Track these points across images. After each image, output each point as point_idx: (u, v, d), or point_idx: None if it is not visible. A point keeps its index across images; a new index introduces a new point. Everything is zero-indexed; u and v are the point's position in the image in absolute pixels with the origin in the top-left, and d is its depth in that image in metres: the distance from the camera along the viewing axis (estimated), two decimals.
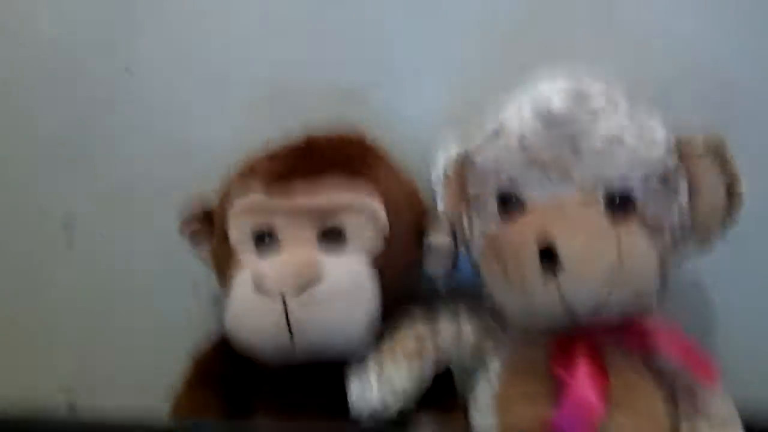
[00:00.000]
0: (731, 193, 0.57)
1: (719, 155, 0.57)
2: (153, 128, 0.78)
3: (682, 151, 0.57)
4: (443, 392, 0.63)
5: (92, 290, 0.80)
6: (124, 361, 0.81)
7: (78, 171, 0.79)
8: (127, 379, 0.81)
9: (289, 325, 0.56)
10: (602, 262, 0.53)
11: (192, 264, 0.76)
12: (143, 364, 0.79)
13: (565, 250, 0.53)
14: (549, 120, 0.56)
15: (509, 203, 0.58)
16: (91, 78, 0.77)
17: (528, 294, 0.55)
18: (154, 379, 0.79)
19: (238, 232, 0.62)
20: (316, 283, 0.57)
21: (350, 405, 0.60)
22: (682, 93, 0.69)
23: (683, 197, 0.57)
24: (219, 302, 0.79)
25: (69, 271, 0.80)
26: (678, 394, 0.61)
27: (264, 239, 0.62)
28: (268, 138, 0.66)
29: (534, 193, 0.57)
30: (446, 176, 0.64)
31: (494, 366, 0.64)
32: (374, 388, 0.59)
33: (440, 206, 0.66)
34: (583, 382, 0.57)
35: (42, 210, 0.80)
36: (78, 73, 0.78)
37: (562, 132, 0.55)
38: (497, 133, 0.59)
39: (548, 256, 0.54)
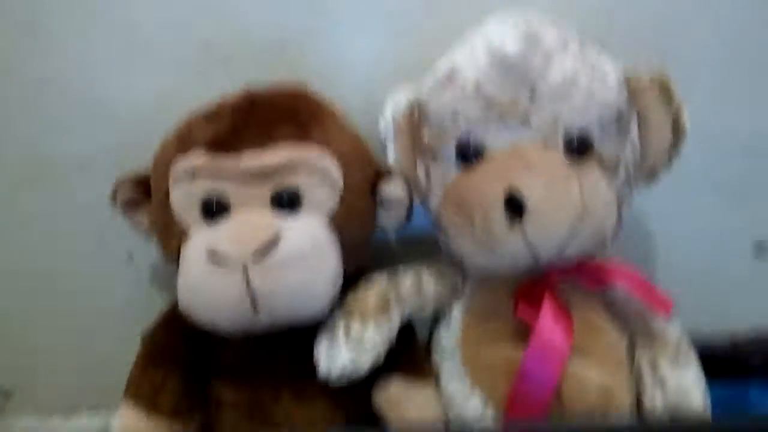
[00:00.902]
0: (676, 124, 0.58)
1: (665, 88, 0.58)
2: (69, 93, 0.70)
3: (629, 86, 0.58)
4: (407, 349, 0.63)
5: (15, 272, 0.74)
6: (62, 344, 0.76)
7: None
8: (64, 361, 0.77)
9: (251, 295, 0.53)
10: (566, 206, 0.54)
11: (124, 235, 0.72)
12: (82, 344, 0.75)
13: (529, 197, 0.53)
14: (504, 64, 0.54)
15: (468, 150, 0.57)
16: None
17: (493, 241, 0.55)
18: (95, 360, 0.75)
19: (183, 198, 0.58)
20: (274, 248, 0.54)
21: (319, 367, 0.58)
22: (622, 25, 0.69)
23: (634, 133, 0.58)
24: (159, 273, 0.75)
25: None
26: (634, 327, 0.63)
27: (212, 207, 0.57)
28: (200, 99, 0.61)
29: (493, 139, 0.56)
30: (397, 125, 0.62)
31: (455, 313, 0.65)
32: (343, 348, 0.58)
33: (391, 157, 0.64)
34: (549, 323, 0.58)
35: None
36: None
37: (518, 75, 0.54)
38: (450, 78, 0.57)
39: (513, 203, 0.53)
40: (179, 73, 0.70)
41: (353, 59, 0.70)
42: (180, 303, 0.57)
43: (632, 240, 0.75)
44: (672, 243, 0.77)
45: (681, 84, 0.58)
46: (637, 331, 0.62)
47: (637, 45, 0.67)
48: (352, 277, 0.63)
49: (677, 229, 0.77)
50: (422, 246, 0.72)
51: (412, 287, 0.63)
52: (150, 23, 0.69)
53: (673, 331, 0.61)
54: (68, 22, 0.69)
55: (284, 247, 0.54)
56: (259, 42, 0.69)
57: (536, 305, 0.60)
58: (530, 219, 0.53)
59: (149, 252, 0.73)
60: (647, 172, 0.61)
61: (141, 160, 0.64)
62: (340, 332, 0.59)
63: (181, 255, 0.57)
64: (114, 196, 0.63)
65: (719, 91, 0.73)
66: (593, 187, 0.55)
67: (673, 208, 0.75)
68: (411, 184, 0.63)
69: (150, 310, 0.67)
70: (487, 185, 0.55)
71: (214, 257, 0.54)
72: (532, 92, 0.55)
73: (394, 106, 0.63)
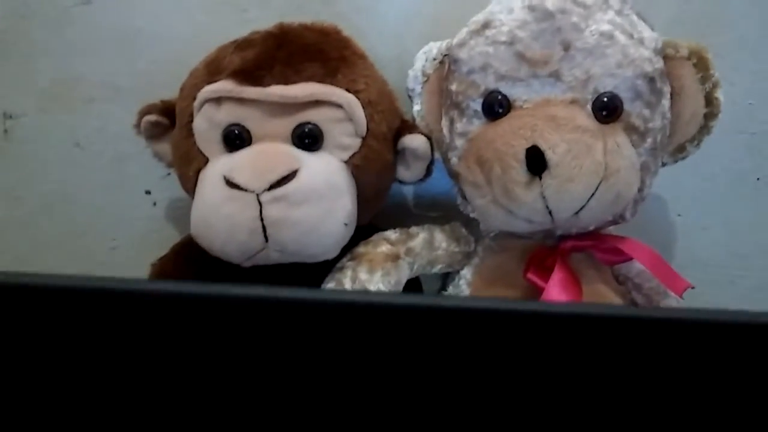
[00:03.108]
0: (710, 99, 0.57)
1: (702, 60, 0.56)
2: (105, 18, 0.71)
3: (666, 54, 0.57)
4: None
5: (33, 192, 0.74)
6: (74, 270, 0.76)
7: (16, 67, 0.72)
8: None
9: (263, 224, 0.53)
10: (588, 165, 0.53)
11: (145, 170, 0.73)
12: (93, 273, 0.75)
13: (551, 153, 0.52)
14: (540, 12, 0.54)
15: (495, 103, 0.56)
16: None
17: (511, 197, 0.54)
18: None
19: (206, 125, 0.57)
20: (290, 181, 0.54)
21: None
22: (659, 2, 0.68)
23: (666, 101, 0.57)
24: (175, 211, 0.76)
25: (9, 177, 0.74)
26: (644, 305, 0.62)
27: (234, 140, 0.57)
28: (232, 38, 0.61)
29: (522, 93, 0.55)
30: (425, 75, 0.62)
31: (465, 273, 0.64)
32: None
33: (416, 109, 0.63)
34: (557, 289, 0.57)
35: None
36: None
37: (553, 25, 0.54)
38: (484, 27, 0.56)
39: (534, 159, 0.53)
40: (215, 12, 0.70)
41: (387, 10, 0.69)
42: (192, 228, 0.57)
43: (651, 226, 0.74)
44: (692, 231, 0.75)
45: (720, 69, 0.57)
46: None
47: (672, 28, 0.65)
48: (365, 230, 0.63)
49: (700, 218, 0.75)
50: (438, 209, 0.73)
51: (424, 242, 0.63)
52: None
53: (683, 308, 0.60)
54: None
55: (300, 181, 0.54)
56: None
57: (547, 272, 0.59)
58: (550, 176, 0.53)
59: (168, 190, 0.74)
60: (676, 146, 0.60)
61: (169, 93, 0.64)
62: (347, 277, 0.59)
63: (199, 181, 0.57)
64: (139, 121, 0.63)
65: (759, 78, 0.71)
66: (618, 150, 0.54)
67: (702, 196, 0.74)
68: (434, 140, 0.62)
69: (163, 247, 0.68)
70: (510, 139, 0.54)
71: (231, 184, 0.54)
72: (567, 47, 0.54)
73: (424, 58, 0.62)
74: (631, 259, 0.60)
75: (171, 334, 0.30)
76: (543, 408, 0.30)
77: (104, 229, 0.75)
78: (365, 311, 0.30)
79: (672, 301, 0.61)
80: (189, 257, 0.63)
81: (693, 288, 0.59)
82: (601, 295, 0.61)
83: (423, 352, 0.29)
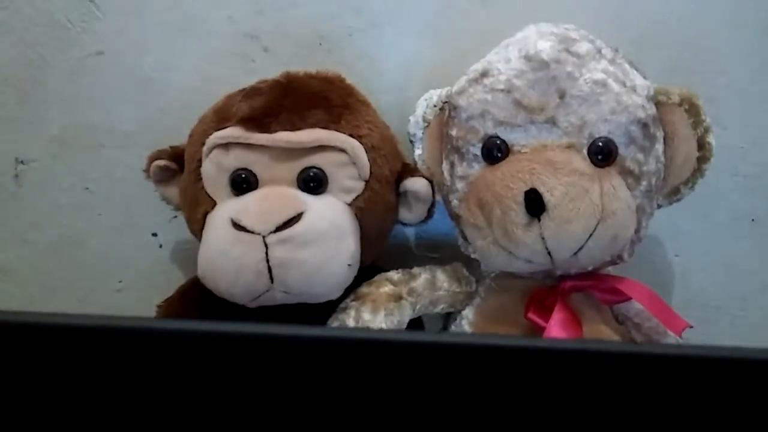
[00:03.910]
0: (702, 144, 0.59)
1: (693, 106, 0.58)
2: (118, 67, 0.73)
3: (658, 101, 0.59)
4: None
5: (41, 236, 0.76)
6: (80, 312, 0.77)
7: (29, 114, 0.74)
8: None
9: (269, 266, 0.55)
10: (585, 208, 0.54)
11: (152, 213, 0.74)
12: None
13: (549, 196, 0.54)
14: (536, 62, 0.56)
15: (494, 148, 0.58)
16: (48, 14, 0.72)
17: (511, 239, 0.56)
18: None
19: (214, 169, 0.59)
20: (297, 220, 0.55)
21: None
22: (652, 52, 0.71)
23: (660, 145, 0.58)
24: (181, 253, 0.77)
25: (19, 221, 0.75)
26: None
27: (241, 184, 0.59)
28: (240, 87, 0.64)
29: (519, 139, 0.57)
30: (426, 121, 0.64)
31: (467, 313, 0.65)
32: None
33: (418, 153, 0.65)
34: (557, 328, 0.58)
35: None
36: (36, 7, 0.72)
37: (548, 74, 0.56)
38: (483, 76, 0.58)
39: (532, 202, 0.54)
40: (223, 62, 0.72)
41: (389, 59, 0.72)
42: (199, 269, 0.58)
43: (648, 267, 0.75)
44: (690, 271, 0.76)
45: (712, 114, 0.59)
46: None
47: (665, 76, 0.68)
48: (368, 271, 0.64)
49: (698, 258, 0.76)
50: (439, 250, 0.74)
51: (426, 283, 0.64)
52: (200, 12, 0.72)
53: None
54: (126, 6, 0.72)
55: (305, 224, 0.56)
56: (299, 36, 0.72)
57: (547, 312, 0.60)
58: (549, 218, 0.54)
59: (174, 233, 0.76)
60: (670, 189, 0.61)
61: (176, 140, 0.66)
62: (351, 317, 0.60)
63: (206, 223, 0.59)
64: (148, 166, 0.65)
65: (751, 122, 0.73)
66: (614, 193, 0.55)
67: (699, 238, 0.75)
68: (435, 183, 0.64)
69: (170, 288, 0.69)
70: (509, 183, 0.56)
71: (237, 226, 0.55)
72: (562, 95, 0.56)
73: (425, 105, 0.65)
74: (629, 299, 0.62)
75: (178, 373, 0.31)
76: None
77: (111, 271, 0.76)
78: (369, 348, 0.30)
79: (671, 341, 0.62)
80: (195, 298, 0.64)
81: (692, 327, 0.60)
82: (601, 334, 0.61)
83: (428, 388, 0.30)
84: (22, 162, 0.74)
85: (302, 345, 0.31)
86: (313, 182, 0.59)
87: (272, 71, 0.64)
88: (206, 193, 0.60)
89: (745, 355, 0.30)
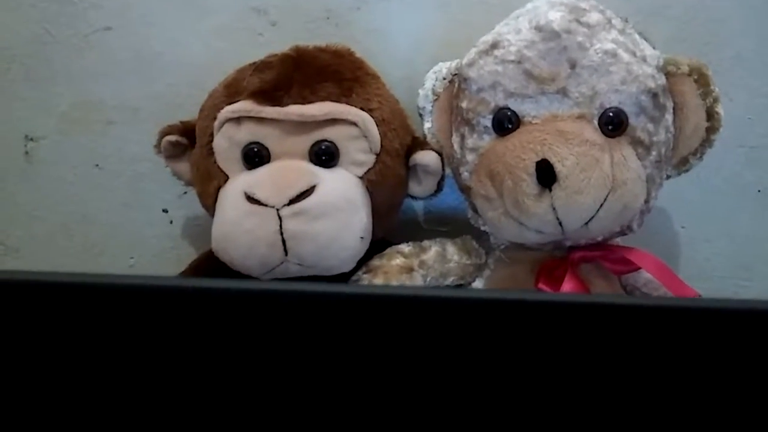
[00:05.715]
0: (711, 114, 0.59)
1: (702, 76, 0.59)
2: (126, 43, 0.73)
3: (668, 70, 0.59)
4: None
5: (51, 213, 0.76)
6: None
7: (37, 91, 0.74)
8: None
9: (282, 238, 0.55)
10: (596, 178, 0.55)
11: (162, 189, 0.75)
12: None
13: (560, 166, 0.54)
14: (547, 32, 0.56)
15: (505, 119, 0.58)
16: None
17: (522, 209, 0.56)
18: None
19: (226, 144, 0.60)
20: (310, 193, 0.56)
21: None
22: (658, 23, 0.70)
23: (669, 115, 0.59)
24: (191, 230, 0.77)
25: (29, 197, 0.76)
26: None
27: (253, 158, 0.59)
28: (247, 62, 0.64)
29: (530, 110, 0.58)
30: (436, 94, 0.64)
31: (477, 284, 0.66)
32: None
33: (427, 126, 0.65)
34: None
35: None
36: None
37: (559, 45, 0.56)
38: (493, 48, 0.58)
39: (543, 172, 0.55)
40: (230, 37, 0.72)
41: (398, 32, 0.72)
42: (213, 243, 0.59)
43: (655, 238, 0.76)
44: (696, 242, 0.77)
45: (718, 86, 0.59)
46: None
47: (672, 47, 0.68)
48: (378, 245, 0.64)
49: (704, 229, 0.77)
50: (447, 223, 0.74)
51: (436, 255, 0.65)
52: None
53: None
54: None
55: (318, 196, 0.56)
56: (306, 10, 0.72)
57: (557, 282, 0.61)
58: (560, 188, 0.55)
59: (185, 208, 0.76)
60: (679, 159, 0.62)
61: (186, 115, 0.67)
62: None
63: (219, 197, 0.59)
64: (159, 141, 0.65)
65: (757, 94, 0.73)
66: (624, 163, 0.56)
67: (705, 209, 0.76)
68: (444, 156, 0.64)
69: (180, 264, 0.70)
70: (520, 153, 0.56)
71: (251, 199, 0.56)
72: (573, 65, 0.56)
73: (434, 78, 0.65)
74: (638, 268, 0.62)
75: (189, 330, 0.31)
76: (554, 398, 0.31)
77: (122, 247, 0.77)
78: (379, 303, 0.31)
79: None
80: (208, 272, 0.65)
81: (700, 297, 0.61)
82: None
83: (440, 343, 0.30)
84: (31, 139, 0.75)
85: (317, 302, 0.31)
86: (325, 155, 0.59)
87: (280, 45, 0.64)
88: (219, 167, 0.60)
89: (749, 306, 0.31)
